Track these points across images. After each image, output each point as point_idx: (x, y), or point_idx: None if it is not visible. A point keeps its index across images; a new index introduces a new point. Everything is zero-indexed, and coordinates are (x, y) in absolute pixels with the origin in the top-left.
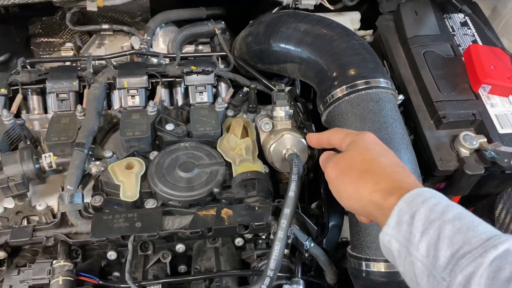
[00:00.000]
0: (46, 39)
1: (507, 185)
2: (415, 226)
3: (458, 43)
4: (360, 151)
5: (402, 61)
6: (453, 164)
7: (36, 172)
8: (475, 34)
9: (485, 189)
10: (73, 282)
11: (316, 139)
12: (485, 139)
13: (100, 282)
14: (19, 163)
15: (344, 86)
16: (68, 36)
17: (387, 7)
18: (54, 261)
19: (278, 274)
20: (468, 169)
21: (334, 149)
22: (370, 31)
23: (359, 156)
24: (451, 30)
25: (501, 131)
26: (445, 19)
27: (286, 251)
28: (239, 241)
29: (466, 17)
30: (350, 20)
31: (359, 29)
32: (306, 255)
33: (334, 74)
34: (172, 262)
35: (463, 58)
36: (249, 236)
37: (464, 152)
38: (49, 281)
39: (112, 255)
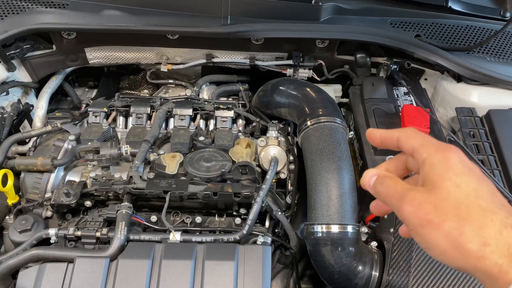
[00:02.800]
0: (130, 91)
1: None
2: None
3: (399, 104)
4: (451, 189)
5: (360, 114)
6: None
7: (117, 155)
8: (413, 100)
9: None
10: (130, 215)
11: (380, 136)
12: None
13: (145, 223)
14: (109, 148)
15: (313, 119)
16: (144, 90)
17: (357, 81)
18: (121, 203)
19: (255, 232)
20: None
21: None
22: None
23: (452, 198)
24: (396, 96)
25: None
26: (394, 90)
27: (267, 224)
28: (237, 220)
29: (409, 90)
30: (334, 90)
31: (341, 97)
32: (279, 229)
33: (308, 112)
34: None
35: (400, 113)
36: (243, 212)
37: None
38: (116, 213)
39: (154, 218)
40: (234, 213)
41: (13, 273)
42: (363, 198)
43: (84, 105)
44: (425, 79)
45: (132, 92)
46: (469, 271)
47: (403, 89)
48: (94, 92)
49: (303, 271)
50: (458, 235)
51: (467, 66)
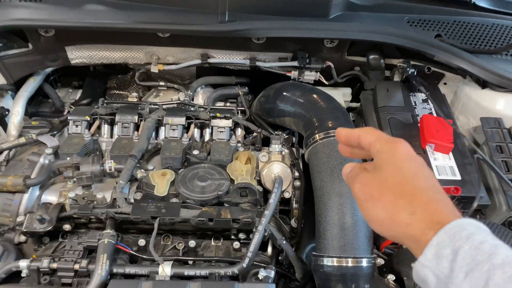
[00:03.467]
0: (118, 91)
1: None
2: (458, 264)
3: (417, 113)
4: (392, 170)
5: (373, 123)
6: None
7: (100, 172)
8: (432, 108)
9: None
10: (113, 244)
11: (345, 134)
12: None
13: (131, 252)
14: (91, 164)
15: (321, 133)
16: (133, 91)
17: (369, 85)
18: (103, 231)
19: (257, 263)
20: None
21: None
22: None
23: (392, 178)
24: (414, 104)
25: (438, 177)
26: (410, 96)
27: (269, 251)
28: (236, 244)
29: (427, 96)
30: (343, 94)
31: (351, 101)
32: (283, 257)
33: (316, 124)
34: (184, 254)
35: (419, 124)
36: (242, 237)
37: None
38: (98, 242)
39: (142, 242)
40: (232, 236)
41: None
42: None
43: (66, 109)
44: (445, 83)
45: (121, 92)
46: (400, 238)
47: (422, 96)
48: (79, 93)
49: None
50: (392, 207)
51: (493, 70)
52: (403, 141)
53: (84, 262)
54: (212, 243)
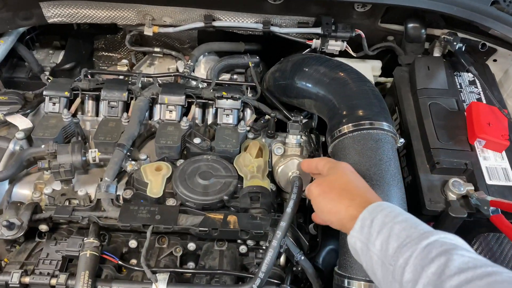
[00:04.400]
0: (106, 53)
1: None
2: (373, 228)
3: (463, 99)
4: (339, 175)
5: (410, 109)
6: (440, 205)
7: (82, 164)
8: (481, 92)
9: (472, 234)
10: (98, 257)
11: (307, 164)
12: (473, 187)
13: (120, 262)
14: (70, 154)
15: (350, 124)
16: (125, 53)
17: (405, 60)
18: (85, 238)
19: (271, 280)
20: (453, 211)
21: None
22: (390, 79)
23: (338, 179)
24: (459, 86)
25: (489, 182)
26: (455, 76)
27: (282, 261)
28: (242, 248)
29: (475, 77)
30: (372, 67)
31: (380, 76)
32: (298, 268)
33: (344, 113)
34: (183, 258)
35: (465, 113)
36: (251, 243)
37: (452, 196)
38: (79, 254)
39: (133, 243)
40: (239, 240)
41: None
42: None
43: (46, 75)
44: (494, 60)
45: (110, 54)
46: (342, 220)
47: (468, 76)
48: (61, 55)
49: None
50: (338, 197)
51: None
52: (344, 163)
53: (62, 277)
54: (215, 247)
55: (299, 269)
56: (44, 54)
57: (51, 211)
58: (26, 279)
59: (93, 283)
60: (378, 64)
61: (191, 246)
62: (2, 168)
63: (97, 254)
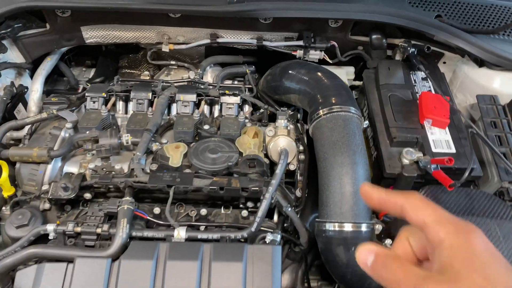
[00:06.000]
0: (129, 70)
1: None
2: None
3: (417, 91)
4: (478, 280)
5: (375, 100)
6: (397, 169)
7: (117, 145)
8: (431, 86)
9: None
10: (132, 210)
11: (379, 198)
12: (422, 154)
13: (148, 217)
14: (109, 137)
15: (325, 109)
16: (144, 70)
17: (372, 64)
18: (123, 198)
19: (264, 229)
20: (406, 172)
21: None
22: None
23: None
24: (413, 82)
25: (434, 150)
26: (411, 74)
27: (275, 219)
28: (244, 213)
29: (426, 74)
30: (346, 72)
31: (354, 79)
32: (288, 224)
33: (320, 101)
34: (196, 221)
35: (417, 101)
36: (250, 206)
37: (406, 162)
38: (117, 209)
39: (156, 210)
40: (241, 205)
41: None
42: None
43: (81, 86)
44: (444, 62)
45: (132, 71)
46: None
47: (421, 74)
48: (92, 71)
49: (311, 262)
50: None
51: (491, 50)
52: (477, 229)
53: (105, 226)
54: (222, 211)
55: (289, 224)
56: (78, 71)
57: (96, 178)
58: (78, 229)
59: (130, 228)
60: (351, 69)
61: (203, 211)
62: (57, 148)
63: (132, 208)
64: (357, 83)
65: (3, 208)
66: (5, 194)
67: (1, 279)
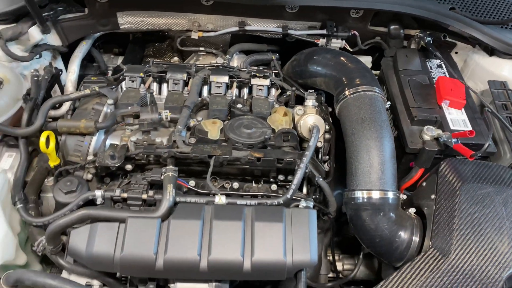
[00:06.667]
0: (154, 59)
1: None
2: None
3: (433, 76)
4: None
5: (394, 85)
6: (419, 145)
7: (158, 120)
8: (446, 72)
9: None
10: (176, 177)
11: None
12: (441, 131)
13: (189, 186)
14: (150, 113)
15: (351, 89)
16: (168, 59)
17: (389, 53)
18: (167, 167)
19: (296, 197)
20: (427, 146)
21: None
22: (378, 71)
23: None
24: (429, 68)
25: (452, 128)
26: (427, 62)
27: (304, 191)
28: (274, 186)
29: (442, 62)
30: (364, 61)
31: (371, 68)
32: (316, 196)
33: (345, 82)
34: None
35: (434, 85)
36: (281, 178)
37: (426, 137)
38: (161, 178)
39: (192, 183)
40: (271, 179)
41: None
42: (398, 167)
43: (110, 72)
44: (456, 52)
45: (156, 60)
46: None
47: (436, 62)
48: (120, 59)
49: (332, 237)
50: None
51: (501, 39)
52: None
53: (151, 192)
54: (254, 185)
55: (317, 195)
56: (106, 57)
57: (140, 149)
58: (125, 194)
59: (175, 194)
60: (368, 59)
61: (235, 185)
62: (101, 121)
63: (175, 175)
64: (374, 72)
65: (46, 180)
66: (51, 163)
67: (54, 238)
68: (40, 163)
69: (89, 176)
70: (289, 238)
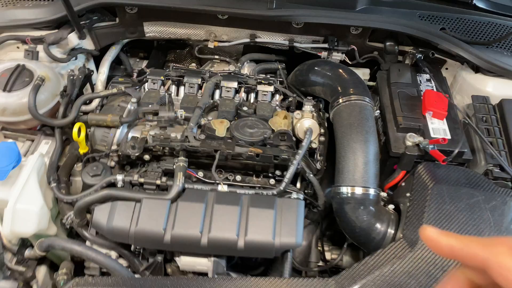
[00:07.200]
0: (175, 64)
1: None
2: None
3: (421, 89)
4: None
5: (385, 96)
6: (401, 149)
7: (174, 118)
8: (434, 86)
9: None
10: (186, 167)
11: (448, 245)
12: (422, 138)
13: (197, 176)
14: (167, 111)
15: (344, 97)
16: (187, 64)
17: (385, 66)
18: (178, 158)
19: (289, 190)
20: (408, 151)
21: None
22: (374, 83)
23: None
24: (419, 82)
25: (433, 136)
26: (417, 76)
27: (298, 186)
28: (272, 181)
29: (430, 76)
30: (362, 73)
31: (369, 80)
32: (306, 191)
33: (340, 91)
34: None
35: (422, 97)
36: (278, 174)
37: (409, 143)
38: (174, 166)
39: (200, 174)
40: (270, 174)
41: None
42: (383, 168)
43: (135, 74)
44: (446, 68)
45: (177, 65)
46: None
47: (426, 76)
48: (144, 62)
49: (324, 231)
50: None
51: (486, 58)
52: None
53: (164, 179)
54: (254, 178)
55: (309, 190)
56: (132, 61)
57: (157, 142)
58: (142, 179)
59: (185, 181)
60: (367, 71)
61: (238, 177)
62: (125, 116)
63: (186, 166)
64: (371, 83)
65: (75, 165)
66: (81, 151)
67: (80, 213)
68: (71, 150)
69: (112, 164)
70: (278, 223)
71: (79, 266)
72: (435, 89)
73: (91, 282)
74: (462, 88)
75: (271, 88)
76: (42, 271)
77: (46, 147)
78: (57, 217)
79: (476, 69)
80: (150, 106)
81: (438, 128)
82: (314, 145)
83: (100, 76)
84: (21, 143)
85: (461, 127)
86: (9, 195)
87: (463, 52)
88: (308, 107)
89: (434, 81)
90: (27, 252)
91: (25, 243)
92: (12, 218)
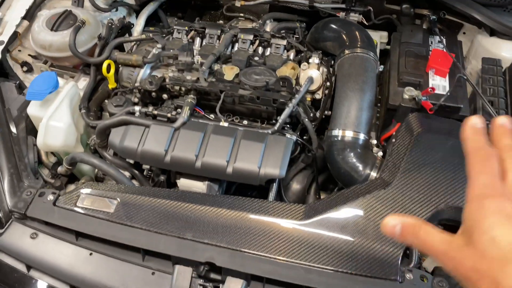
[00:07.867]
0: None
1: None
2: None
3: (430, 50)
4: (485, 243)
5: (395, 54)
6: (398, 101)
7: (191, 62)
8: (444, 48)
9: None
10: (194, 104)
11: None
12: (419, 92)
13: (203, 113)
14: (185, 56)
15: (350, 49)
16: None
17: (400, 29)
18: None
19: (285, 132)
20: (404, 103)
21: None
22: None
23: (486, 254)
24: (430, 43)
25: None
26: (430, 38)
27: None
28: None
29: (443, 39)
30: (380, 36)
31: (387, 44)
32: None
33: (347, 44)
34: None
35: (429, 57)
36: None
37: (405, 96)
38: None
39: (211, 116)
40: (273, 121)
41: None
42: (385, 120)
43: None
44: (464, 33)
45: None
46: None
47: (438, 38)
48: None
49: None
50: None
51: (500, 21)
52: (498, 193)
53: (174, 112)
54: (259, 124)
55: (306, 136)
56: (170, 20)
57: (172, 81)
58: (155, 112)
59: (190, 114)
60: (385, 34)
61: (245, 122)
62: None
63: (194, 102)
64: (388, 47)
65: (106, 100)
66: (110, 86)
67: (101, 134)
68: (103, 87)
69: (136, 100)
70: (266, 156)
71: None
72: (445, 50)
73: (97, 185)
74: (478, 52)
75: (284, 42)
76: (71, 188)
77: (83, 83)
78: (87, 145)
79: (492, 32)
80: (171, 51)
81: (439, 84)
82: (318, 96)
83: (137, 27)
84: (65, 80)
85: (458, 81)
86: (44, 114)
87: (477, 14)
88: (314, 59)
89: (444, 42)
90: (59, 169)
91: (58, 162)
92: (45, 132)
